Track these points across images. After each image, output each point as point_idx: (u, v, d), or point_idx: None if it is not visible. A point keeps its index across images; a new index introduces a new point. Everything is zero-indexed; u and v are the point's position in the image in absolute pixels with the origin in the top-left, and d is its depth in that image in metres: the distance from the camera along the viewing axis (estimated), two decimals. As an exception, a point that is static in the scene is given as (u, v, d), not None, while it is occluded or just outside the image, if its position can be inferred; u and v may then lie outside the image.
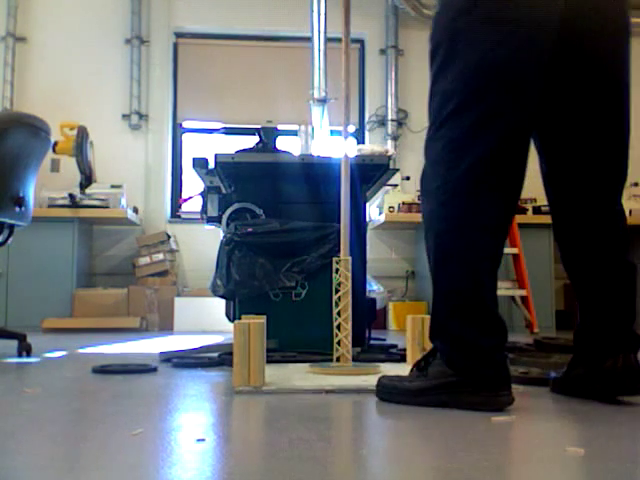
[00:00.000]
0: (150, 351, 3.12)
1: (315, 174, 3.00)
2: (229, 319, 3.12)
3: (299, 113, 5.56)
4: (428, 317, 2.40)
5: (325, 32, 5.41)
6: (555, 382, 1.85)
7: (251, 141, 3.21)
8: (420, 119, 5.74)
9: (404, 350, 2.52)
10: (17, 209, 2.73)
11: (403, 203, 5.33)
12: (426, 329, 2.38)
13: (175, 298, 5.00)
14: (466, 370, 1.57)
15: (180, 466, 1.08)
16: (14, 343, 2.83)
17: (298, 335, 2.69)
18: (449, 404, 1.58)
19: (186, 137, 6.00)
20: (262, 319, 2.03)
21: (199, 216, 3.33)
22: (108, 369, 2.30)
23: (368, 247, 3.08)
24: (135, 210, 5.45)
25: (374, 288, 4.91)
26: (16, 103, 5.59)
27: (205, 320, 4.82)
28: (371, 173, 3.05)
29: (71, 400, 1.82)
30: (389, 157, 3.08)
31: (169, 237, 5.37)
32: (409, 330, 2.38)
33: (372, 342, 3.11)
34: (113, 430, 1.39)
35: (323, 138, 5.20)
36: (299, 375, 2.07)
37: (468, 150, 1.58)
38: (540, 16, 1.56)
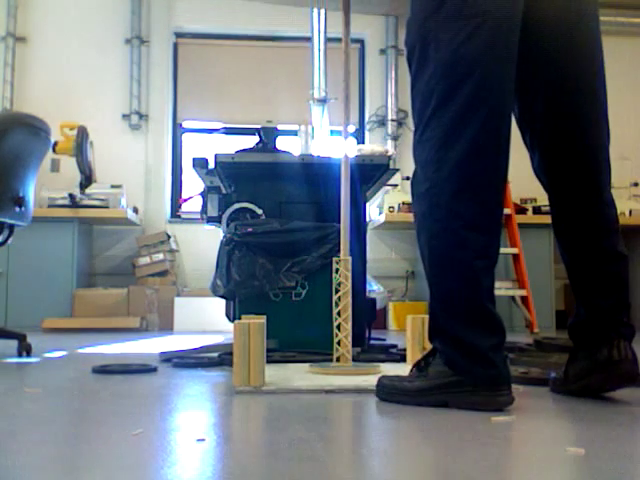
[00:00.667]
0: (150, 351, 3.12)
1: (315, 174, 3.00)
2: (229, 319, 3.12)
3: (299, 113, 5.56)
4: (428, 317, 2.41)
5: (325, 32, 5.41)
6: (555, 382, 1.85)
7: (251, 141, 3.21)
8: (420, 119, 5.74)
9: (404, 350, 2.52)
10: (17, 209, 2.73)
11: (403, 203, 5.33)
12: (426, 329, 2.37)
13: (175, 298, 5.00)
14: (466, 370, 1.57)
15: (180, 466, 1.08)
16: (14, 343, 2.83)
17: (298, 335, 2.69)
18: (449, 404, 1.58)
19: (186, 137, 6.01)
20: (262, 319, 2.03)
21: (199, 216, 3.33)
22: (108, 369, 2.30)
23: (368, 247, 3.08)
24: (135, 210, 5.45)
25: (374, 288, 4.91)
26: (16, 103, 5.59)
27: (205, 320, 4.83)
28: (371, 173, 3.05)
29: (71, 400, 1.82)
30: (389, 157, 3.08)
31: (169, 237, 5.37)
32: (409, 330, 2.38)
33: (372, 342, 3.11)
34: (113, 430, 1.39)
35: (323, 138, 5.20)
36: (299, 375, 2.07)
37: (450, 148, 1.59)
38: (506, 7, 1.57)
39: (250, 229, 2.76)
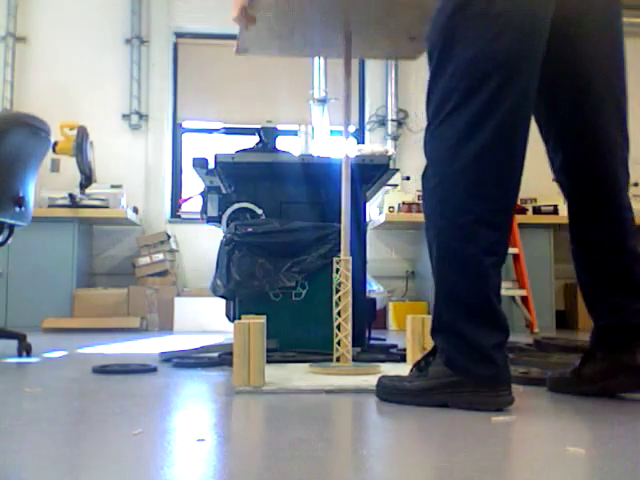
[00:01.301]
0: (150, 351, 3.12)
1: (315, 174, 3.00)
2: (229, 319, 3.12)
3: (299, 113, 5.56)
4: (428, 317, 2.40)
5: (325, 32, 5.41)
6: (560, 382, 1.84)
7: (251, 141, 3.21)
8: (420, 119, 5.74)
9: (404, 350, 2.52)
10: (17, 209, 2.73)
11: (403, 203, 5.33)
12: (426, 329, 2.38)
13: (175, 298, 5.00)
14: (465, 369, 1.57)
15: (180, 466, 1.08)
16: (14, 343, 2.83)
17: (298, 335, 2.69)
18: (449, 404, 1.58)
19: (186, 137, 6.01)
20: (262, 319, 2.03)
21: (199, 216, 3.33)
22: (108, 369, 2.30)
23: (368, 247, 3.08)
24: (135, 210, 5.46)
25: (374, 288, 4.91)
26: (16, 103, 5.59)
27: (205, 320, 4.83)
28: (371, 173, 3.05)
29: (71, 400, 1.82)
30: (389, 157, 3.08)
31: (169, 237, 5.37)
32: (409, 330, 2.38)
33: (372, 342, 3.11)
34: (113, 430, 1.39)
35: (323, 138, 5.20)
36: (299, 375, 2.07)
37: (466, 144, 1.59)
38: (534, 7, 1.57)
39: (250, 229, 2.76)
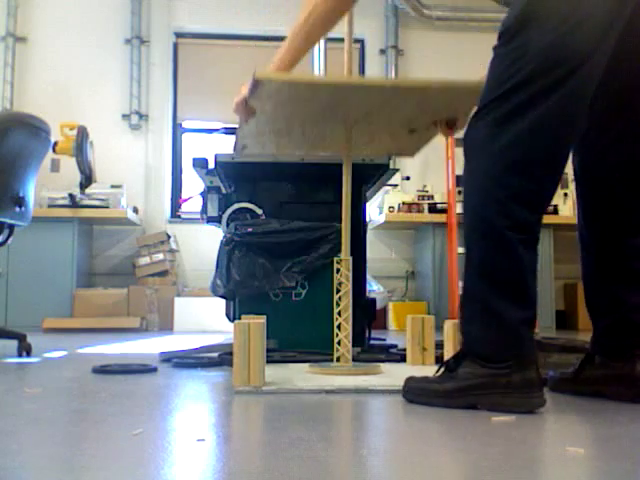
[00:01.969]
0: (150, 351, 3.12)
1: (315, 174, 3.00)
2: (229, 319, 3.12)
3: (299, 113, 5.55)
4: (428, 317, 2.41)
5: (325, 32, 5.40)
6: (558, 381, 1.85)
7: (251, 141, 3.21)
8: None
9: (404, 350, 2.52)
10: (17, 209, 2.73)
11: (403, 203, 5.33)
12: (426, 329, 2.38)
13: (175, 298, 5.00)
14: (490, 343, 1.57)
15: (180, 466, 1.08)
16: (14, 343, 2.83)
17: (298, 335, 2.69)
18: (479, 406, 1.56)
19: (186, 137, 6.01)
20: (262, 319, 2.03)
21: (199, 216, 3.33)
22: (108, 369, 2.30)
23: (368, 247, 3.08)
24: (135, 210, 5.46)
25: (374, 288, 4.91)
26: (16, 103, 5.59)
27: (205, 320, 4.83)
28: (371, 173, 3.05)
29: (71, 400, 1.82)
30: (389, 157, 3.08)
31: (169, 237, 5.38)
32: (409, 330, 2.38)
33: (372, 342, 3.11)
34: (113, 430, 1.39)
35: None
36: (299, 375, 2.07)
37: (514, 123, 1.57)
38: (617, 3, 1.56)
39: (250, 229, 2.76)
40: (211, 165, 2.99)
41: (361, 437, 1.40)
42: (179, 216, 5.77)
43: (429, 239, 5.24)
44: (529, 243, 1.60)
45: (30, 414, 1.56)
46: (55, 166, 5.37)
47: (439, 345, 2.34)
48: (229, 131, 5.97)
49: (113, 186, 5.25)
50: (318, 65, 5.47)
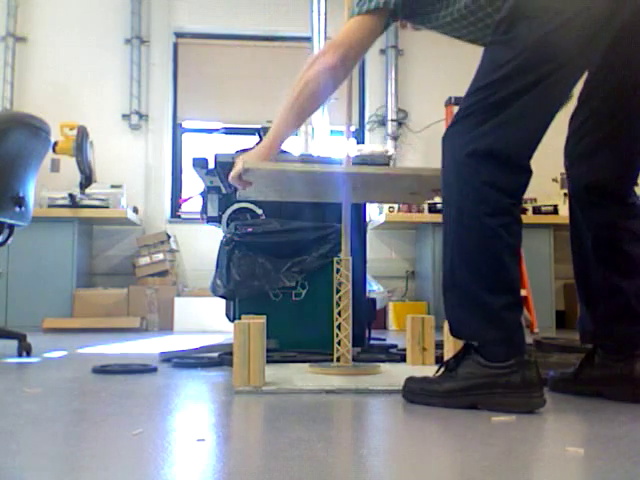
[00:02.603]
0: (150, 351, 3.12)
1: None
2: (229, 319, 3.12)
3: (299, 113, 5.55)
4: (428, 317, 2.41)
5: (325, 32, 5.41)
6: (559, 381, 1.85)
7: (251, 141, 3.21)
8: (420, 119, 5.74)
9: (404, 350, 2.52)
10: (17, 209, 2.73)
11: (403, 203, 5.33)
12: (426, 329, 2.38)
13: (175, 298, 5.00)
14: (474, 331, 1.58)
15: (180, 466, 1.08)
16: (14, 343, 2.83)
17: (298, 335, 2.69)
18: (479, 406, 1.56)
19: (186, 137, 6.01)
20: (262, 319, 2.03)
21: (199, 216, 3.33)
22: (108, 369, 2.30)
23: (368, 247, 3.08)
24: (135, 210, 5.46)
25: (374, 288, 4.91)
26: (16, 103, 5.59)
27: (205, 320, 4.83)
28: (371, 173, 3.04)
29: (71, 400, 1.82)
30: (389, 157, 3.08)
31: (169, 237, 5.37)
32: (409, 330, 2.38)
33: (372, 342, 3.11)
34: (113, 430, 1.39)
35: (323, 138, 5.20)
36: (299, 375, 2.07)
37: (490, 118, 1.60)
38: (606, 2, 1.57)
39: (250, 229, 2.76)
40: (211, 165, 2.99)
41: (361, 437, 1.40)
42: (179, 216, 5.77)
43: (429, 239, 5.24)
44: (509, 226, 1.61)
45: (30, 414, 1.56)
46: (55, 166, 5.37)
47: (439, 345, 2.34)
48: (229, 131, 5.98)
49: (113, 186, 5.25)
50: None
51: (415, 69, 5.86)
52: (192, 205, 5.31)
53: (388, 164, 3.04)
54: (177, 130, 5.94)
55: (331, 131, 5.32)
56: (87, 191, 4.78)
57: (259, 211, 2.93)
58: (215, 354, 2.62)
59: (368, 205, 3.40)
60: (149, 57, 5.80)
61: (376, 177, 2.04)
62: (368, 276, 3.26)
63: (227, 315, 3.20)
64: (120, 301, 4.97)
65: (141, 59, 5.75)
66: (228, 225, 2.88)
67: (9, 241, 2.88)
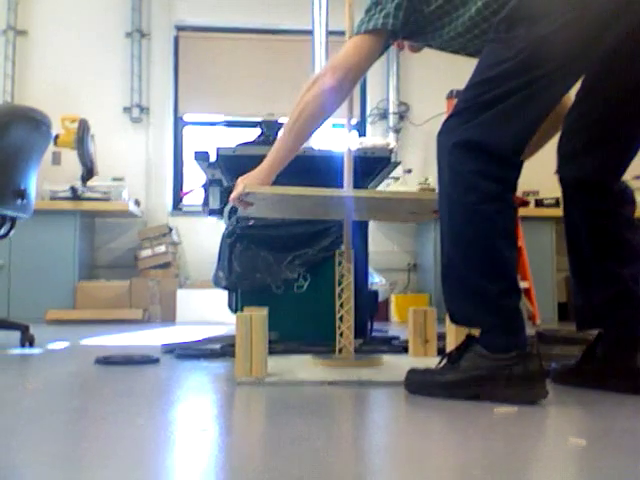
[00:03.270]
0: (152, 343, 3.13)
1: (316, 167, 2.99)
2: (231, 311, 3.13)
3: (301, 106, 5.54)
4: (430, 309, 2.42)
5: (327, 25, 5.39)
6: (562, 374, 1.85)
7: (253, 134, 3.21)
8: (421, 112, 5.73)
9: (406, 342, 2.52)
10: (19, 202, 2.74)
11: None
12: (428, 321, 2.39)
13: (177, 290, 5.01)
14: (471, 318, 1.60)
15: (182, 457, 1.09)
16: (17, 334, 2.84)
17: (300, 327, 2.70)
18: (481, 397, 1.57)
19: (187, 130, 6.00)
20: (264, 311, 2.03)
21: (201, 209, 3.33)
22: (111, 360, 2.31)
23: (370, 240, 3.08)
24: (137, 203, 5.46)
25: (376, 280, 4.92)
26: (17, 97, 5.58)
27: (207, 312, 4.83)
28: (373, 166, 3.04)
29: (73, 390, 1.83)
30: (390, 150, 3.08)
31: (171, 229, 5.38)
32: (411, 322, 2.38)
33: (374, 334, 3.11)
34: (116, 421, 1.39)
35: (324, 131, 5.19)
36: (301, 367, 2.07)
37: (482, 108, 1.62)
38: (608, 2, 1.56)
39: (252, 222, 2.76)
40: (213, 158, 2.99)
41: (362, 429, 1.40)
42: (181, 209, 5.77)
43: (431, 232, 5.24)
44: (500, 212, 1.62)
45: (33, 405, 1.56)
46: (56, 159, 5.36)
47: (441, 337, 2.35)
48: (230, 124, 5.97)
49: (115, 179, 5.25)
50: (319, 58, 5.46)
51: (416, 62, 5.84)
52: (194, 198, 5.31)
53: (390, 157, 3.03)
54: (178, 123, 5.93)
55: (332, 124, 5.31)
56: (89, 184, 4.77)
57: (261, 203, 2.92)
58: (217, 345, 2.62)
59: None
60: (150, 50, 5.79)
61: (377, 201, 2.04)
62: (370, 268, 3.26)
63: (229, 307, 3.20)
64: (122, 293, 4.98)
65: (142, 52, 5.74)
66: (230, 218, 2.88)
67: (11, 233, 2.89)
